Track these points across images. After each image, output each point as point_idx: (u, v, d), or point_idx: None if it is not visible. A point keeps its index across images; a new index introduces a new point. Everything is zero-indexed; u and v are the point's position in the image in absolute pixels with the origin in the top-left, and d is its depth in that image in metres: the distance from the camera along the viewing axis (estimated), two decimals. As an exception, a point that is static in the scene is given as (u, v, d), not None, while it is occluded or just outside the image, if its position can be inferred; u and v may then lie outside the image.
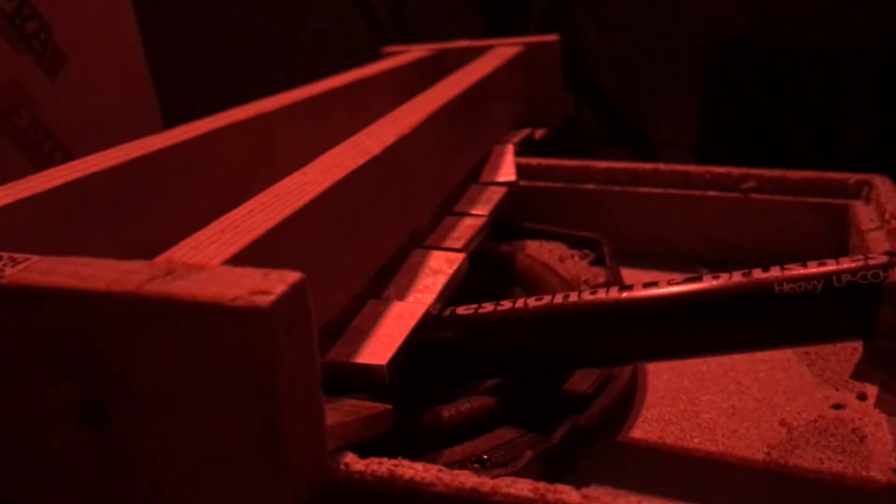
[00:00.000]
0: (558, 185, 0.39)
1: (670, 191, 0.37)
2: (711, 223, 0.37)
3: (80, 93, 0.40)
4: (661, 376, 0.28)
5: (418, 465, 0.17)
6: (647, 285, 0.22)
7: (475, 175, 0.36)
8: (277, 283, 0.15)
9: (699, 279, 0.22)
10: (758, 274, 0.21)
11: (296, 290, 0.15)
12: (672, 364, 0.28)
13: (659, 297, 0.22)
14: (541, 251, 0.36)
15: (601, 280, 0.33)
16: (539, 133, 0.42)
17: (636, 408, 0.26)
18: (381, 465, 0.17)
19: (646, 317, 0.22)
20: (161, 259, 0.17)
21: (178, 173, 0.27)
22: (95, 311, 0.15)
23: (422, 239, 0.29)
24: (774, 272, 0.21)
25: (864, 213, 0.33)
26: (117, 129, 0.42)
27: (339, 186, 0.22)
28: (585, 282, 0.33)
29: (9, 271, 0.16)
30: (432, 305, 0.24)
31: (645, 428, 0.25)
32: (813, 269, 0.20)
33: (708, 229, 0.37)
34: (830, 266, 0.20)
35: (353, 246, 0.23)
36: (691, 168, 0.37)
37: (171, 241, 0.18)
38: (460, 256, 0.27)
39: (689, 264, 0.36)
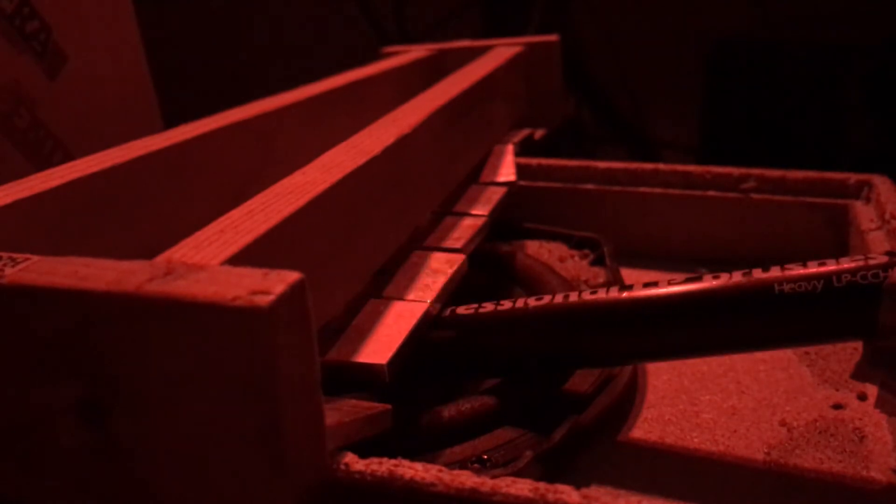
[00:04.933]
0: (558, 185, 0.39)
1: (670, 191, 0.37)
2: (711, 223, 0.37)
3: (80, 93, 0.40)
4: (661, 376, 0.28)
5: (418, 465, 0.17)
6: (647, 285, 0.22)
7: (475, 175, 0.36)
8: (277, 282, 0.15)
9: (699, 279, 0.22)
10: (758, 274, 0.21)
11: (295, 290, 0.15)
12: (672, 364, 0.28)
13: (659, 297, 0.22)
14: (541, 251, 0.36)
15: (601, 280, 0.33)
16: (539, 133, 0.42)
17: (636, 408, 0.26)
18: (381, 465, 0.17)
19: (646, 317, 0.22)
20: (160, 259, 0.17)
21: (178, 173, 0.27)
22: (95, 311, 0.15)
23: (422, 239, 0.29)
24: (774, 272, 0.21)
25: (864, 213, 0.33)
26: (117, 129, 0.42)
27: (339, 186, 0.22)
28: (585, 282, 0.33)
29: (8, 271, 0.16)
30: (432, 305, 0.24)
31: (645, 428, 0.25)
32: (813, 269, 0.21)
33: (708, 229, 0.37)
34: (830, 266, 0.20)
35: (352, 246, 0.23)
36: (691, 168, 0.37)
37: (171, 241, 0.18)
38: (460, 257, 0.27)
39: (689, 264, 0.36)
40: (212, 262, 0.17)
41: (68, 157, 0.39)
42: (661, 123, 0.93)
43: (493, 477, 0.17)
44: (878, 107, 0.73)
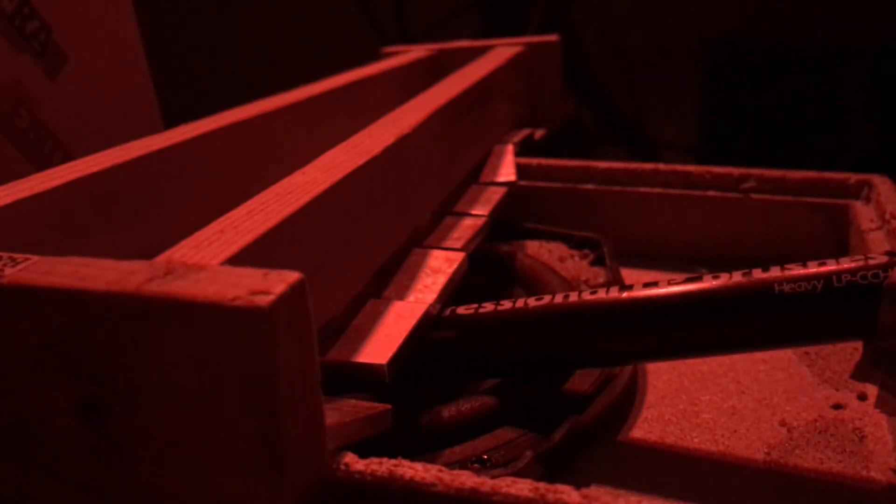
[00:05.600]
0: (558, 185, 0.39)
1: (670, 191, 0.37)
2: (711, 223, 0.37)
3: (80, 93, 0.40)
4: (661, 376, 0.28)
5: (418, 465, 0.17)
6: (647, 285, 0.22)
7: (475, 175, 0.36)
8: (277, 282, 0.15)
9: (699, 279, 0.22)
10: (758, 274, 0.21)
11: (295, 290, 0.15)
12: (672, 364, 0.28)
13: (659, 297, 0.22)
14: (541, 251, 0.36)
15: (601, 280, 0.33)
16: (539, 133, 0.42)
17: (636, 408, 0.26)
18: (381, 465, 0.17)
19: (646, 317, 0.22)
20: (160, 259, 0.17)
21: (178, 173, 0.27)
22: (95, 311, 0.15)
23: (422, 239, 0.29)
24: (774, 272, 0.21)
25: (864, 213, 0.33)
26: (117, 129, 0.42)
27: (339, 186, 0.22)
28: (585, 282, 0.33)
29: (8, 271, 0.16)
30: (432, 305, 0.24)
31: (645, 428, 0.25)
32: (813, 269, 0.20)
33: (708, 229, 0.37)
34: (830, 266, 0.20)
35: (352, 246, 0.23)
36: (691, 168, 0.37)
37: (171, 241, 0.18)
38: (460, 255, 0.27)
39: (689, 264, 0.36)
40: (212, 262, 0.17)
41: (68, 157, 0.39)
42: (661, 123, 0.93)
43: (493, 477, 0.17)
44: (878, 107, 0.73)
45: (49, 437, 0.16)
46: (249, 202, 0.21)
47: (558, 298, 0.23)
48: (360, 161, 0.24)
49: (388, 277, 0.26)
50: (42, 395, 0.16)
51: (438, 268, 0.26)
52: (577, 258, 0.35)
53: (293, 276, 0.15)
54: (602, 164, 0.38)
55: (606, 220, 0.38)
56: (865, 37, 0.75)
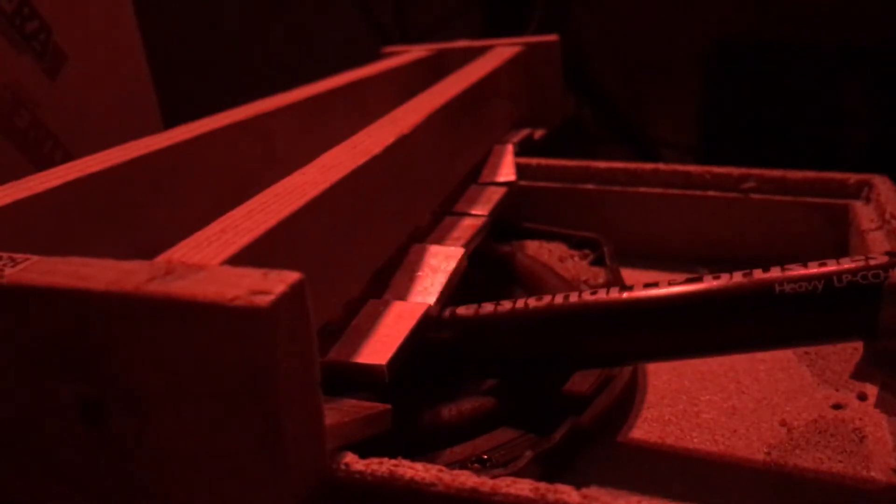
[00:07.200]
0: (558, 185, 0.39)
1: (670, 191, 0.37)
2: (711, 223, 0.37)
3: (80, 93, 0.40)
4: (661, 376, 0.28)
5: (418, 465, 0.17)
6: (647, 286, 0.22)
7: (475, 175, 0.36)
8: (277, 283, 0.15)
9: (699, 279, 0.22)
10: (758, 274, 0.21)
11: (295, 290, 0.15)
12: (672, 364, 0.28)
13: (659, 297, 0.22)
14: (541, 251, 0.36)
15: (601, 280, 0.33)
16: (539, 133, 0.42)
17: (636, 408, 0.26)
18: (381, 465, 0.17)
19: (646, 317, 0.22)
20: (160, 259, 0.17)
21: (178, 173, 0.27)
22: (95, 310, 0.15)
23: (421, 239, 0.29)
24: (775, 272, 0.21)
25: (864, 213, 0.33)
26: (117, 129, 0.42)
27: (339, 186, 0.22)
28: (585, 282, 0.33)
29: (8, 271, 0.16)
30: (432, 306, 0.24)
31: (645, 428, 0.25)
32: (813, 269, 0.20)
33: (708, 229, 0.37)
34: (831, 266, 0.20)
35: (352, 246, 0.23)
36: (691, 168, 0.37)
37: (171, 241, 0.18)
38: (459, 254, 0.27)
39: (689, 264, 0.36)
40: (212, 262, 0.17)
41: (68, 156, 0.39)
42: (661, 123, 0.93)
43: (493, 477, 0.17)
44: (877, 107, 0.73)
45: (49, 437, 0.16)
46: (249, 202, 0.20)
47: (558, 299, 0.23)
48: (360, 161, 0.24)
49: (388, 277, 0.26)
50: (42, 395, 0.16)
51: (437, 266, 0.26)
52: (577, 258, 0.35)
53: (293, 276, 0.15)
54: (602, 164, 0.38)
55: (606, 220, 0.38)
56: (865, 38, 0.75)
